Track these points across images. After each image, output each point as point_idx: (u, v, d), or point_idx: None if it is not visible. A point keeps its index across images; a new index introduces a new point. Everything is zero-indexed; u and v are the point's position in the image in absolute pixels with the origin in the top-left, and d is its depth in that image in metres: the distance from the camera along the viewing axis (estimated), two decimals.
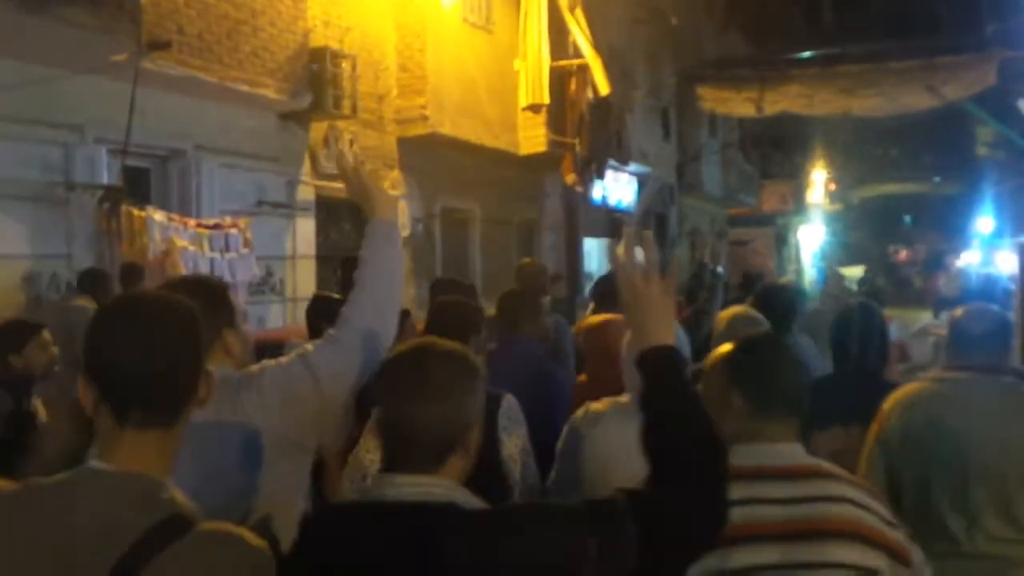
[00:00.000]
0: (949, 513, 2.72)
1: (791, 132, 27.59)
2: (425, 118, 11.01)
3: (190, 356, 1.51)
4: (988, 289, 16.77)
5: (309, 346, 2.14)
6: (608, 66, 14.27)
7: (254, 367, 2.10)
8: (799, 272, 30.77)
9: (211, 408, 1.68)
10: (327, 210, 10.20)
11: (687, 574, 1.68)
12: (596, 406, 2.87)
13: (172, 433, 1.48)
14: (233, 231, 7.89)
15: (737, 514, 1.67)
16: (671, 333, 1.71)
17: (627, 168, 17.11)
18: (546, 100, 12.84)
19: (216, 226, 7.75)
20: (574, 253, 16.16)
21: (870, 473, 2.80)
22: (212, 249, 7.64)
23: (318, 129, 9.81)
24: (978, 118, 28.50)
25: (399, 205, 11.34)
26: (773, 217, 29.88)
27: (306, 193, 9.65)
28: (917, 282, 34.67)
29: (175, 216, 7.35)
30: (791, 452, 1.99)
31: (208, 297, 2.04)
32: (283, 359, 2.10)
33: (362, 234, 2.29)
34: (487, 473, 1.98)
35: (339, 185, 10.21)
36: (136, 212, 6.95)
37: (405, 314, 4.12)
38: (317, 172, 9.81)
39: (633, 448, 1.67)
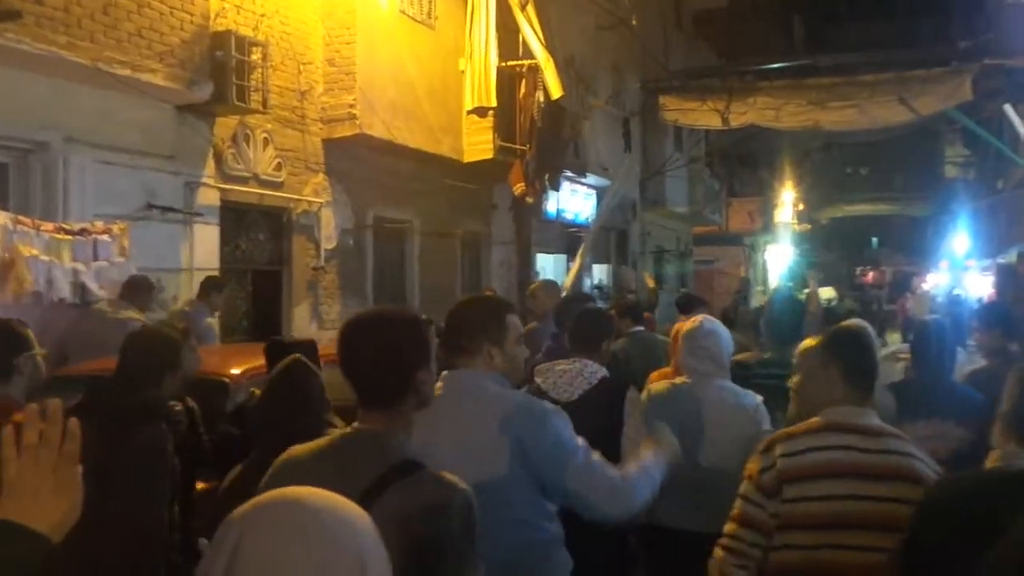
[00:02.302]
0: None
1: (758, 148, 26.81)
2: (353, 118, 9.93)
3: (398, 360, 2.05)
4: (954, 311, 16.11)
5: (595, 458, 2.60)
6: (566, 71, 13.28)
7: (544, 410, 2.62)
8: (766, 292, 29.98)
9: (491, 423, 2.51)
10: (235, 217, 9.06)
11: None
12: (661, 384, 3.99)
13: (395, 411, 2.04)
14: (104, 237, 6.73)
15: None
16: None
17: (585, 180, 16.10)
18: (493, 103, 11.81)
19: (82, 231, 6.58)
20: (526, 270, 15.10)
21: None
22: (76, 258, 6.47)
23: (225, 125, 8.68)
24: (948, 138, 27.99)
25: (327, 214, 10.26)
26: (740, 236, 29.05)
27: (208, 197, 8.50)
28: (884, 304, 34.13)
29: (25, 219, 6.19)
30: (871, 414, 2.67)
31: (491, 311, 2.71)
32: (576, 442, 2.57)
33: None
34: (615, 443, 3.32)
35: (249, 189, 9.16)
36: None
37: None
38: (223, 173, 8.67)
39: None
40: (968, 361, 5.35)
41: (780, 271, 32.77)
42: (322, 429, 2.82)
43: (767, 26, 28.16)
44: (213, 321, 7.36)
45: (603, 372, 3.65)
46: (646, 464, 2.71)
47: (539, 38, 12.17)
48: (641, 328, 6.66)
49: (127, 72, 7.04)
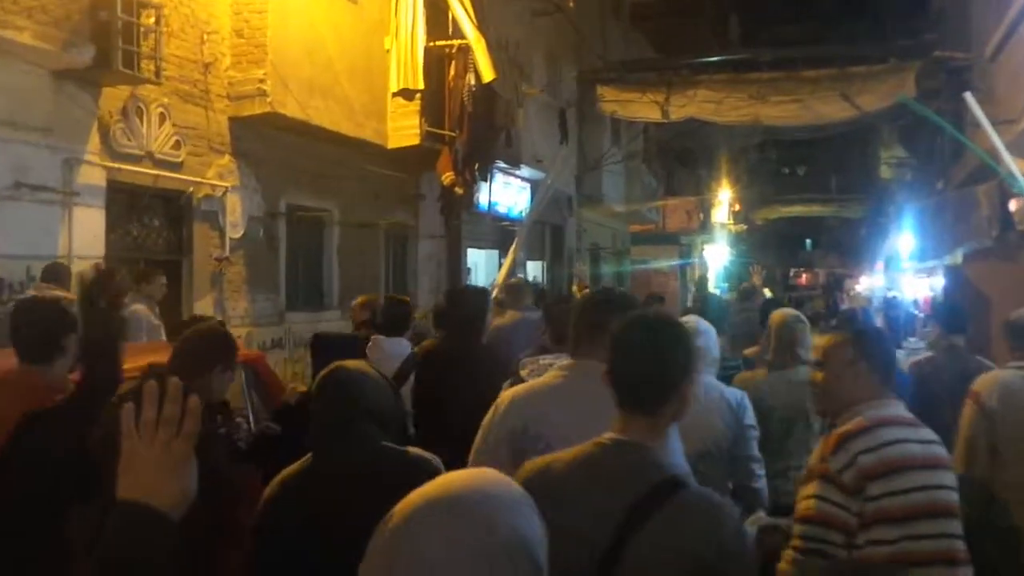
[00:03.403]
0: None
1: (697, 146, 26.43)
2: (264, 95, 9.05)
3: (668, 368, 2.02)
4: (889, 313, 15.91)
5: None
6: (499, 56, 12.52)
7: None
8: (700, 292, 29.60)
9: None
10: (125, 200, 8.10)
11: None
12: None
13: (655, 419, 2.00)
14: None
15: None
16: None
17: (518, 172, 15.37)
18: (420, 85, 11.03)
19: None
20: (456, 265, 14.33)
21: (973, 437, 3.90)
22: None
23: (113, 96, 7.73)
24: (884, 140, 27.95)
25: (234, 199, 9.37)
26: (677, 235, 28.66)
27: (92, 176, 7.54)
28: (817, 305, 34.20)
29: None
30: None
31: (619, 307, 2.81)
32: None
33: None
34: None
35: (142, 169, 8.18)
36: None
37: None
38: (110, 150, 7.72)
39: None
40: (907, 359, 6.05)
41: (716, 271, 32.56)
42: (382, 438, 2.70)
43: (704, 22, 27.86)
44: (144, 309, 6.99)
45: None
46: None
47: (470, 17, 11.40)
48: None
49: None
